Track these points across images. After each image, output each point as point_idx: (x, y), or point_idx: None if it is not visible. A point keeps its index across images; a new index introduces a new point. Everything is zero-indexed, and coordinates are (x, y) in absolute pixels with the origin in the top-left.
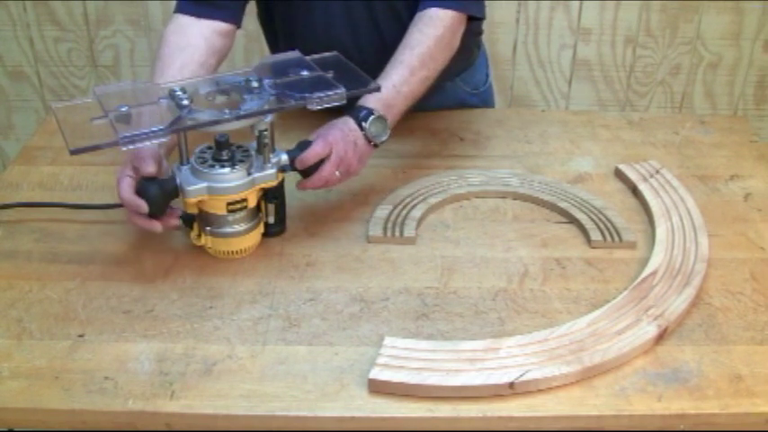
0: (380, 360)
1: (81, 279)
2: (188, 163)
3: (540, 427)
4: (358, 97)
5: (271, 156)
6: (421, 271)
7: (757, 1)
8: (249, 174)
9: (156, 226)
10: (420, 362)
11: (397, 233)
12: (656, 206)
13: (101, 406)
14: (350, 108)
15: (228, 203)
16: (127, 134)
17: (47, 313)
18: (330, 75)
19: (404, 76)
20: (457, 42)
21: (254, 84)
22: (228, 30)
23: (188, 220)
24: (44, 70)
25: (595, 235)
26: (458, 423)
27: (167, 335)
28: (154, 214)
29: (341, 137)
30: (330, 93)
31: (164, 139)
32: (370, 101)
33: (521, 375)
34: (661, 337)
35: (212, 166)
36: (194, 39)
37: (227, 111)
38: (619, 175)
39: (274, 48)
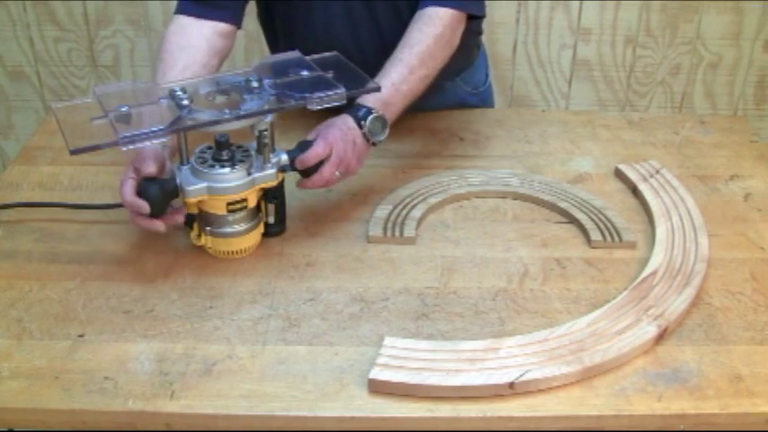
0: (380, 360)
1: (81, 279)
2: (188, 163)
3: (540, 427)
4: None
5: (271, 156)
6: (421, 271)
7: (757, 1)
8: (249, 174)
9: (159, 225)
10: (420, 362)
11: (397, 233)
12: (656, 206)
13: (101, 406)
14: (349, 106)
15: (228, 203)
16: (127, 134)
17: (47, 313)
18: (330, 75)
19: (403, 74)
20: (456, 41)
21: (254, 84)
22: (229, 30)
23: (188, 220)
24: (44, 70)
25: (595, 235)
26: (458, 423)
27: (167, 335)
28: (155, 214)
29: (340, 136)
30: (330, 93)
31: (164, 139)
32: (368, 99)
33: (521, 375)
34: (661, 337)
35: (212, 166)
36: (195, 39)
37: (227, 111)
38: (619, 175)
39: (274, 48)
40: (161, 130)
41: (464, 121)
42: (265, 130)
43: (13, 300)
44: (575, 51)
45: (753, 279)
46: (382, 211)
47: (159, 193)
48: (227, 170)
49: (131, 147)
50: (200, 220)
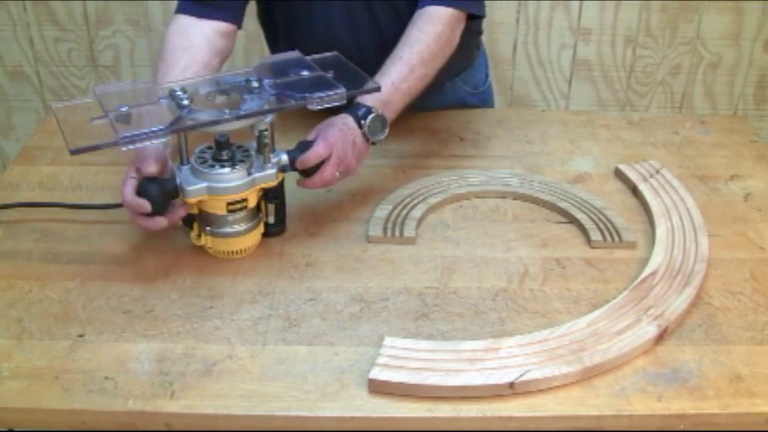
0: (380, 360)
1: (81, 279)
2: (188, 163)
3: (540, 427)
4: None
5: (271, 156)
6: (421, 271)
7: (757, 1)
8: (249, 174)
9: (161, 222)
10: (420, 362)
11: (397, 233)
12: (656, 206)
13: (101, 406)
14: (348, 106)
15: (228, 203)
16: (127, 134)
17: (47, 313)
18: (330, 75)
19: (403, 73)
20: (456, 40)
21: (254, 84)
22: (230, 30)
23: (188, 220)
24: (44, 70)
25: (595, 235)
26: (458, 423)
27: (167, 335)
28: (155, 214)
29: (340, 136)
30: (330, 93)
31: (164, 139)
32: (368, 99)
33: (521, 375)
34: (661, 337)
35: (212, 166)
36: (196, 39)
37: (227, 111)
38: (619, 175)
39: (274, 48)
40: (161, 130)
41: (464, 121)
42: (265, 130)
43: (13, 300)
44: (575, 51)
45: (753, 279)
46: (382, 211)
47: (159, 192)
48: (227, 170)
49: (131, 147)
50: (200, 220)
